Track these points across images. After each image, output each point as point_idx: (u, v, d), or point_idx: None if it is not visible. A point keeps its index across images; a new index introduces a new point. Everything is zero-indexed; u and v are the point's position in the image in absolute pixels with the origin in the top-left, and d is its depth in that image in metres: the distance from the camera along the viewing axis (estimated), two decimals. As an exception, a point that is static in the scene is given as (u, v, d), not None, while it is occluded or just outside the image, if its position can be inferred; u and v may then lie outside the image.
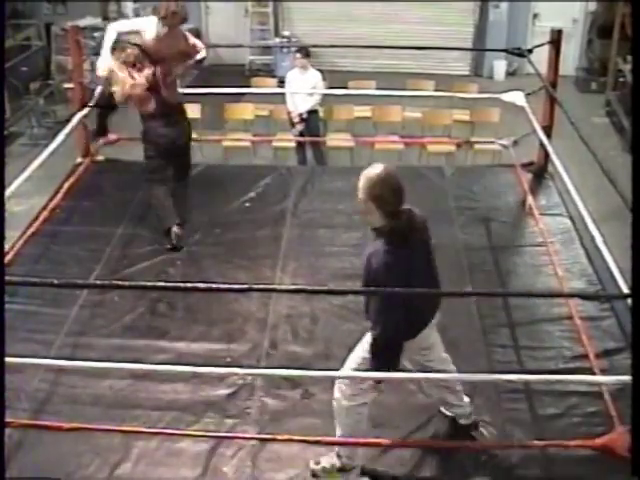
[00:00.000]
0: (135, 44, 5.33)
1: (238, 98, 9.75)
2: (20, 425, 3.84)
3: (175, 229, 5.57)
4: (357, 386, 3.54)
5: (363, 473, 3.74)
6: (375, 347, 3.36)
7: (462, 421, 3.95)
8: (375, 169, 3.29)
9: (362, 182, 3.29)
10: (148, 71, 5.33)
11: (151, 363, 4.24)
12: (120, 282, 4.81)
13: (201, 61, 5.78)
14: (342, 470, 3.70)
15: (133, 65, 5.33)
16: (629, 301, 3.47)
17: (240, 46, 13.18)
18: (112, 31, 5.40)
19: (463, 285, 5.18)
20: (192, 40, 5.65)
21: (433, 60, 12.80)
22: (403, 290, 3.22)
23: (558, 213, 6.07)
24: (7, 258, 5.10)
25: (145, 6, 12.73)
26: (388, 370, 3.38)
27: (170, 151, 5.59)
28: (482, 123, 9.51)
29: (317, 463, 3.75)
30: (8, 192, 4.89)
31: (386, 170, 3.26)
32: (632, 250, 3.01)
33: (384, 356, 3.37)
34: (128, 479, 3.74)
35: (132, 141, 6.20)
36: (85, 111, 6.34)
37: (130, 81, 5.31)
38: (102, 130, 6.08)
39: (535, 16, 13.19)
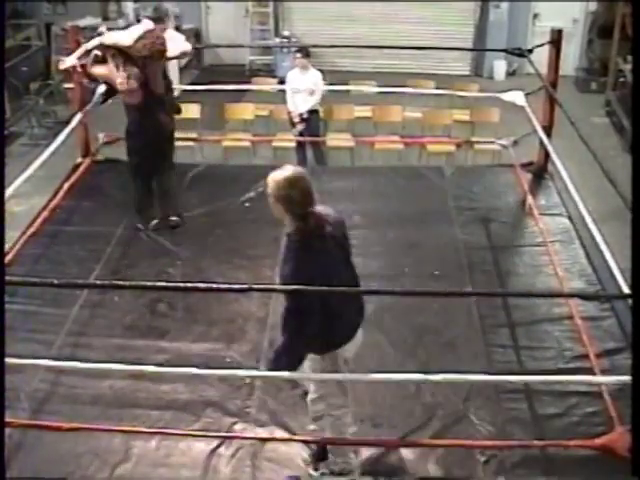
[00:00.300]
0: (114, 47, 5.37)
1: (238, 98, 9.74)
2: (20, 425, 3.84)
3: (154, 222, 5.71)
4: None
5: (363, 474, 3.74)
6: (280, 351, 3.35)
7: None
8: (284, 171, 3.28)
9: (270, 184, 3.27)
10: (131, 69, 5.37)
11: (151, 363, 4.23)
12: (120, 282, 4.81)
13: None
14: (341, 474, 3.70)
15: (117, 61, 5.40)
16: (629, 301, 3.47)
17: (240, 46, 13.18)
18: (96, 40, 5.50)
19: (463, 285, 5.18)
20: (177, 50, 5.66)
21: (433, 60, 12.79)
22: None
23: (558, 213, 6.07)
24: (7, 258, 5.10)
25: (145, 6, 12.73)
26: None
27: (153, 143, 5.62)
28: (482, 123, 9.50)
29: (316, 469, 3.75)
30: (8, 192, 4.89)
31: (294, 172, 3.26)
32: (632, 250, 3.01)
33: (285, 361, 3.34)
34: (128, 479, 3.75)
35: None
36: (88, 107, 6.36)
37: (116, 74, 5.37)
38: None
39: (535, 16, 13.18)
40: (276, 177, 3.24)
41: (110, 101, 5.90)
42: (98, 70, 5.50)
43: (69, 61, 5.60)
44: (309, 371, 3.54)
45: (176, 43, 5.67)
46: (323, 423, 3.69)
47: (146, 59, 5.31)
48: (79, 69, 5.57)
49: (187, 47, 5.86)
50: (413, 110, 9.77)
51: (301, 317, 3.23)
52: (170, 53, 5.55)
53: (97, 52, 5.41)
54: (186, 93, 8.66)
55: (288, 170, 3.26)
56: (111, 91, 5.78)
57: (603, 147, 8.29)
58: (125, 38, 5.37)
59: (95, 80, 5.70)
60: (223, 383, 4.27)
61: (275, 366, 3.38)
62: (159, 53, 5.34)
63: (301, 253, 3.23)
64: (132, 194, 5.91)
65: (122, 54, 5.34)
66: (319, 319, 3.25)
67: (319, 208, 3.33)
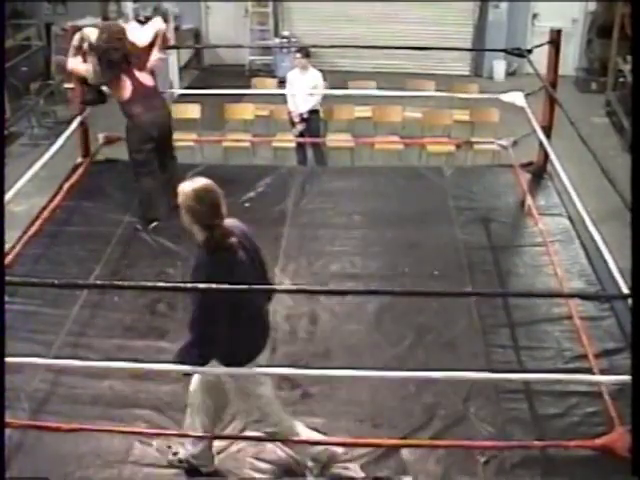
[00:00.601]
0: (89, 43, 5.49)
1: (238, 98, 9.75)
2: (20, 425, 3.83)
3: (156, 224, 5.73)
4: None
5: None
6: (184, 350, 3.42)
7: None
8: (194, 183, 3.35)
9: (180, 195, 3.35)
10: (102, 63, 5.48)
11: (151, 363, 4.23)
12: (120, 282, 4.81)
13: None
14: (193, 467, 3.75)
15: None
16: (629, 301, 3.47)
17: (240, 46, 13.20)
18: (78, 35, 5.61)
19: (463, 285, 5.18)
20: (147, 36, 5.73)
21: (433, 60, 12.80)
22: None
23: (557, 213, 6.07)
24: (7, 258, 5.08)
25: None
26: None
27: (155, 136, 5.64)
28: (482, 123, 9.51)
29: (175, 454, 3.80)
30: (10, 194, 4.89)
31: (203, 185, 3.33)
32: (632, 250, 3.01)
33: (190, 360, 3.41)
34: (128, 479, 3.75)
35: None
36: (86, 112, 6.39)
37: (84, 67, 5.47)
38: (101, 96, 6.04)
39: (535, 16, 13.19)
40: (185, 189, 3.33)
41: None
42: (79, 67, 5.59)
43: (70, 63, 5.68)
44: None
45: (145, 30, 5.76)
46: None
47: (111, 51, 5.39)
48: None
49: (159, 26, 5.88)
50: (413, 110, 9.77)
51: (207, 323, 3.32)
52: (140, 41, 5.65)
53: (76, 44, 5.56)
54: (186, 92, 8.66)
55: (198, 182, 3.34)
56: (99, 95, 5.88)
57: (603, 147, 8.30)
58: (92, 33, 5.51)
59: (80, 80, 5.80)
60: (223, 383, 4.26)
61: (181, 362, 3.46)
62: (119, 42, 5.42)
63: (210, 262, 3.32)
64: (136, 194, 5.92)
65: (95, 50, 5.46)
66: (225, 327, 3.33)
67: (228, 221, 3.39)
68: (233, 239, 3.36)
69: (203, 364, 3.43)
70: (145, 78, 5.68)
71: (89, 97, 6.00)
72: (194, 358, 3.39)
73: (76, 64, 5.65)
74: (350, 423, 4.05)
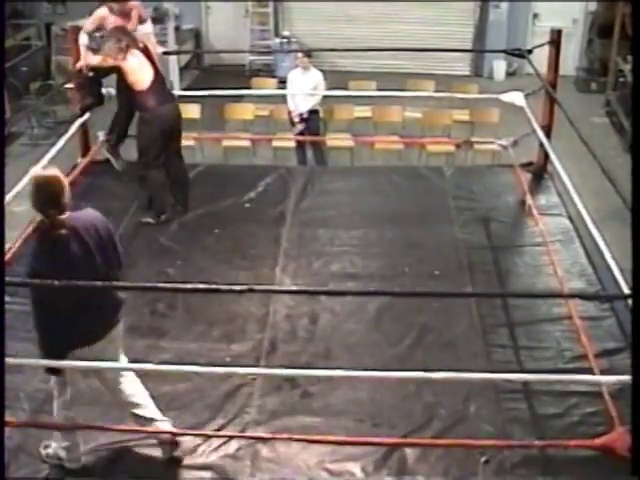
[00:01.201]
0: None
1: (238, 98, 9.76)
2: (20, 425, 3.84)
3: (166, 214, 5.82)
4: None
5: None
6: (37, 338, 3.47)
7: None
8: (38, 172, 3.50)
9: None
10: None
11: (151, 363, 4.23)
12: (120, 282, 4.80)
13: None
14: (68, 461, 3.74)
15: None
16: (629, 301, 3.47)
17: (241, 51, 13.24)
18: (83, 35, 5.62)
19: (463, 285, 5.18)
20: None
21: (433, 60, 12.81)
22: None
23: (557, 213, 6.07)
24: (7, 257, 5.09)
25: (146, 5, 12.74)
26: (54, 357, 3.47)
27: (168, 131, 5.63)
28: (482, 123, 9.52)
29: (46, 447, 3.79)
30: (10, 194, 4.89)
31: (45, 175, 3.44)
32: (632, 250, 3.01)
33: (45, 348, 3.47)
34: (128, 479, 3.75)
35: (132, 140, 6.20)
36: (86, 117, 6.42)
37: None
38: (99, 97, 6.07)
39: (535, 16, 13.20)
40: (31, 175, 3.47)
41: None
42: (94, 60, 5.61)
43: (92, 59, 5.68)
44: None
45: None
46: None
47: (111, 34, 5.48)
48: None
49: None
50: (413, 110, 9.78)
51: (42, 310, 3.41)
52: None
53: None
54: (186, 92, 8.66)
55: (43, 172, 3.47)
56: (99, 97, 5.91)
57: (603, 147, 8.30)
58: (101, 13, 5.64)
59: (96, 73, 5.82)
60: (223, 383, 4.27)
61: (43, 356, 3.49)
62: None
63: (33, 250, 3.43)
64: (145, 188, 5.94)
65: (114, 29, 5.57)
66: (59, 313, 3.39)
67: (82, 212, 3.52)
68: (62, 231, 3.39)
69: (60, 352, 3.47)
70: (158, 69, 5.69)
71: (88, 102, 6.01)
72: (48, 351, 3.45)
73: (94, 58, 5.64)
74: (350, 422, 4.05)
